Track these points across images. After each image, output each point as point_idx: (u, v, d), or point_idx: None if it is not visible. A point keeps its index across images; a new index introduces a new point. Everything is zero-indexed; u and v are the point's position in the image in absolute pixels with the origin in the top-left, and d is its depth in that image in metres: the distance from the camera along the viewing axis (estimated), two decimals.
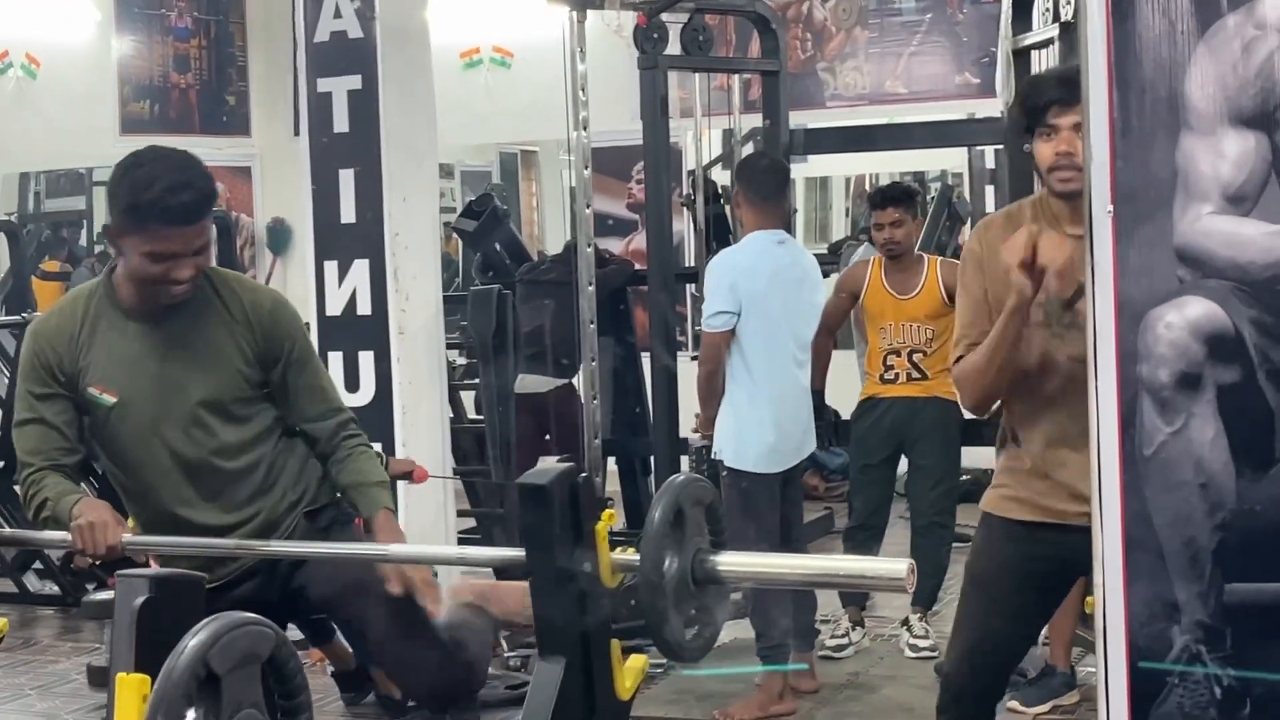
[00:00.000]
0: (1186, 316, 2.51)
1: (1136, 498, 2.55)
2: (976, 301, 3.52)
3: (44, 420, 3.69)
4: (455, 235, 9.36)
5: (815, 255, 6.40)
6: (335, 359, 6.23)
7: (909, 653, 6.15)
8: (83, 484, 3.91)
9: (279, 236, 11.75)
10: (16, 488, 7.89)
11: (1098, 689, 2.59)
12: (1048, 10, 5.73)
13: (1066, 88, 3.38)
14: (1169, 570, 2.55)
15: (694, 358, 5.94)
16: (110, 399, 3.68)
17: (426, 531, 6.12)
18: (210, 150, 11.40)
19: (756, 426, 5.49)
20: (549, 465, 2.95)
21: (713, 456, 5.61)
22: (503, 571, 4.41)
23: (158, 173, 3.49)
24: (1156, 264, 2.51)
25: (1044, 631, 5.06)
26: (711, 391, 5.55)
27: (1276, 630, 2.51)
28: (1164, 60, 2.48)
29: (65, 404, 3.70)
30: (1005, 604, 3.58)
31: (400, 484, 5.62)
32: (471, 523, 7.46)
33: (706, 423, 5.67)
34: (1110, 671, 2.56)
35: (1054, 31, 5.57)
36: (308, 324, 7.59)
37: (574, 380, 7.05)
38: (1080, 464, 2.85)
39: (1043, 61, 5.76)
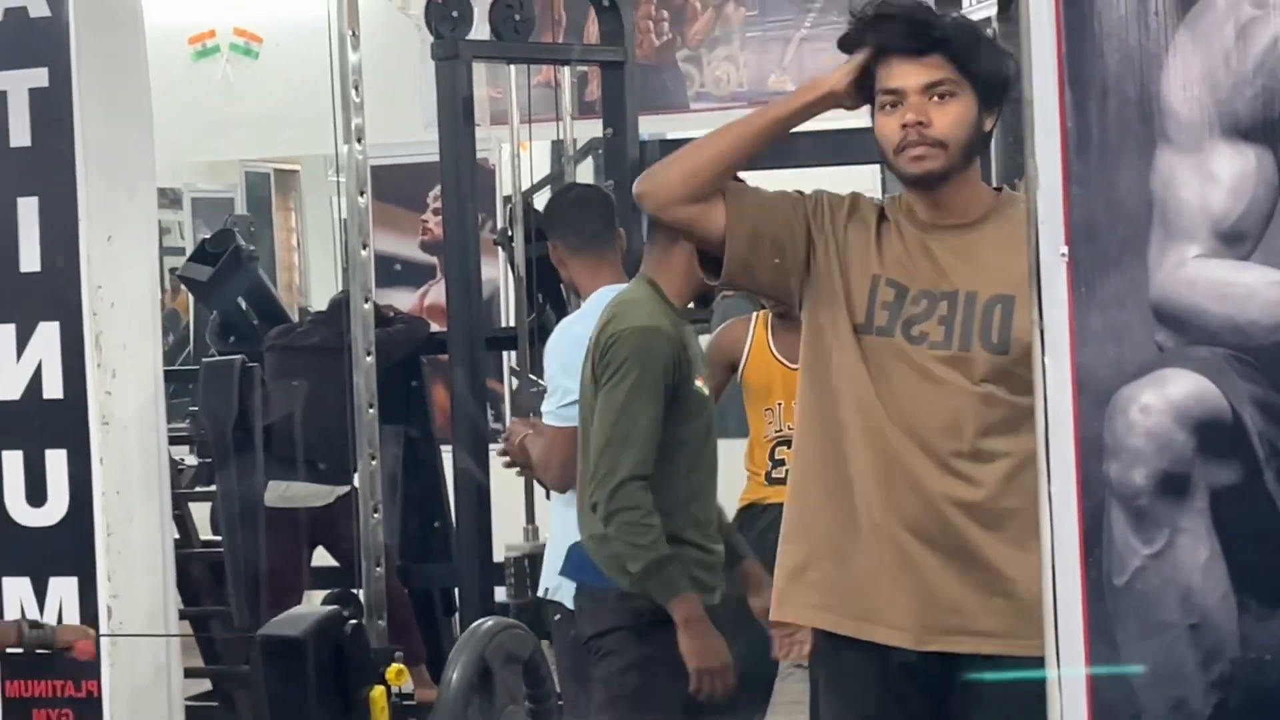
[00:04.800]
0: (1169, 397, 2.52)
1: (1105, 643, 2.55)
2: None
3: None
4: (183, 286, 9.28)
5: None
6: (13, 460, 6.11)
7: None
8: None
9: None
10: None
11: None
12: None
13: (912, 30, 3.52)
14: None
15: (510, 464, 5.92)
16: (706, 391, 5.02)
17: (141, 699, 6.01)
18: None
19: None
20: (305, 609, 2.91)
21: (541, 594, 5.58)
22: None
23: None
24: (1127, 326, 2.53)
25: None
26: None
27: None
28: (1133, 50, 2.50)
29: None
30: None
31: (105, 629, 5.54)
32: (206, 685, 7.35)
33: None
34: None
35: (991, 9, 5.65)
36: None
37: (348, 487, 7.00)
38: None
39: None
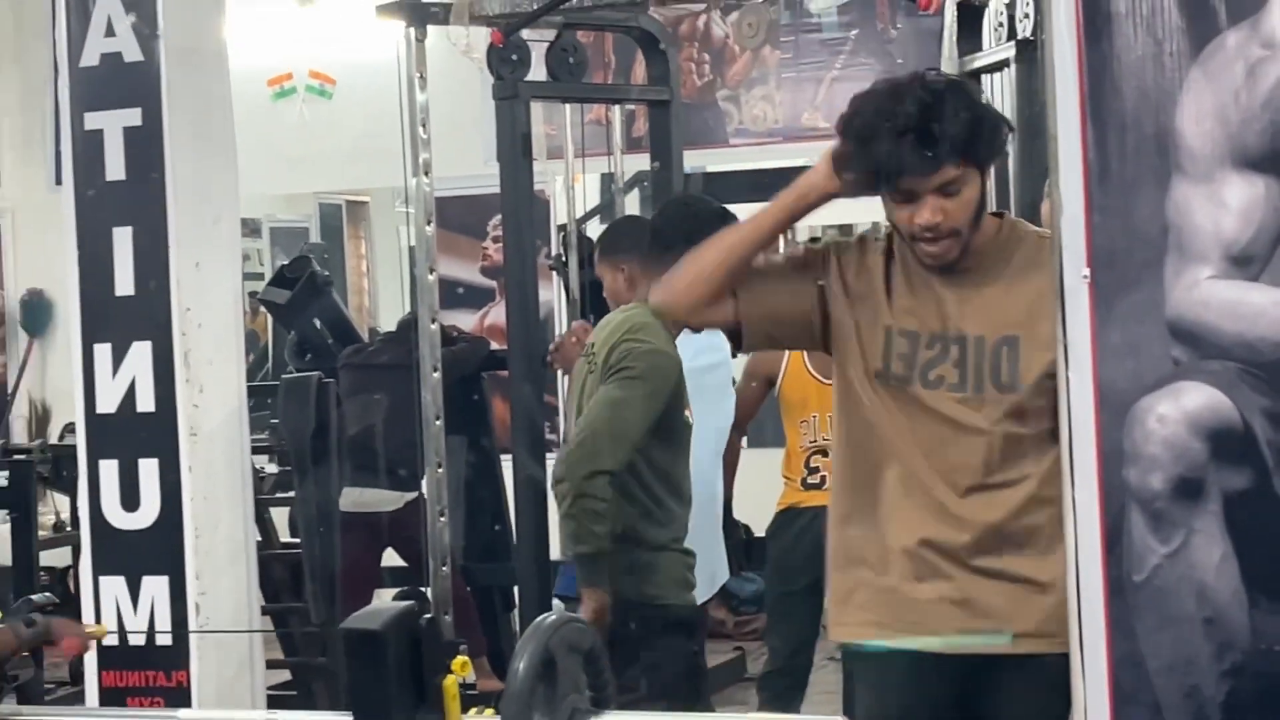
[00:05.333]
0: (1184, 408, 2.52)
1: (1125, 636, 2.54)
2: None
3: None
4: (263, 309, 9.30)
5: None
6: (109, 468, 6.13)
7: None
8: None
9: (36, 312, 11.61)
10: None
11: None
12: (1001, 25, 5.79)
13: (923, 144, 3.35)
14: None
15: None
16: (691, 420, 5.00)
17: (226, 689, 6.02)
18: None
19: None
20: (382, 605, 2.91)
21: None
22: None
23: None
24: (1145, 342, 2.52)
25: None
26: None
27: None
28: (1150, 89, 2.50)
29: None
30: None
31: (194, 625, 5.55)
32: (285, 675, 7.35)
33: None
34: None
35: (1010, 51, 5.63)
36: (71, 425, 7.56)
37: (418, 494, 7.00)
38: None
39: (997, 88, 5.81)
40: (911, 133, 3.36)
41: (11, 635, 5.19)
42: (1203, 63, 2.49)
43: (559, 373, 6.65)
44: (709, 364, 5.77)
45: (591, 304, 6.95)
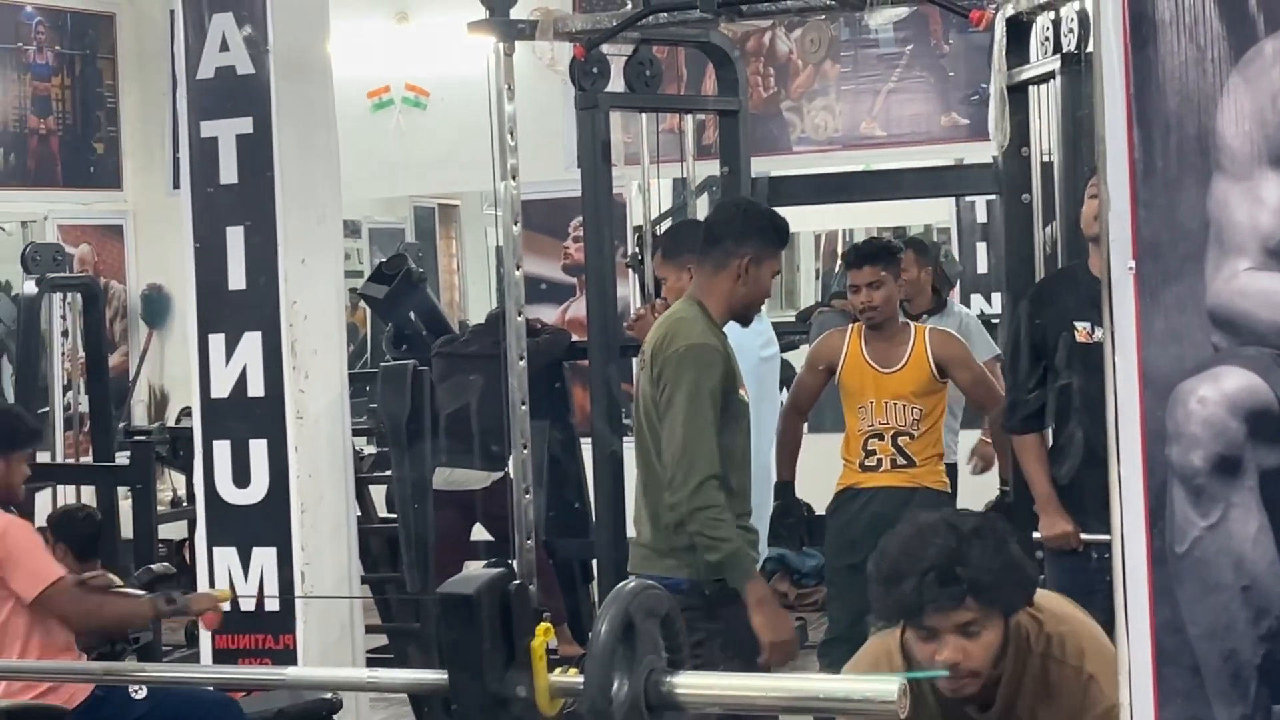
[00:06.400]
0: (1223, 390, 2.49)
1: (1167, 603, 2.52)
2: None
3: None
4: (363, 303, 9.33)
5: (781, 323, 6.42)
6: (222, 448, 6.18)
7: None
8: None
9: (155, 306, 11.67)
10: None
11: None
12: (1047, 39, 5.75)
13: (943, 583, 3.20)
14: (1207, 689, 2.51)
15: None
16: (748, 399, 4.97)
17: (329, 650, 6.05)
18: (75, 206, 11.40)
19: None
20: (475, 572, 2.90)
21: None
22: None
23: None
24: (1186, 329, 2.49)
25: None
26: None
27: None
28: (1192, 93, 2.47)
29: None
30: None
31: (299, 592, 5.56)
32: (383, 640, 7.38)
33: None
34: None
35: (1055, 64, 5.59)
36: (187, 408, 7.60)
37: (505, 473, 7.00)
38: None
39: (1042, 98, 5.77)
40: (933, 572, 3.23)
41: (152, 608, 5.25)
42: (1242, 68, 2.46)
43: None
44: (773, 354, 5.78)
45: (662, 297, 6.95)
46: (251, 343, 6.16)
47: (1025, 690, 3.39)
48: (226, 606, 5.72)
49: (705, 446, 4.77)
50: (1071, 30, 5.55)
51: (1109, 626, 2.70)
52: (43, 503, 8.00)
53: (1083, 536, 5.14)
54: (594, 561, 7.12)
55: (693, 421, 4.78)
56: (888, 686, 2.59)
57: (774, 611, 4.78)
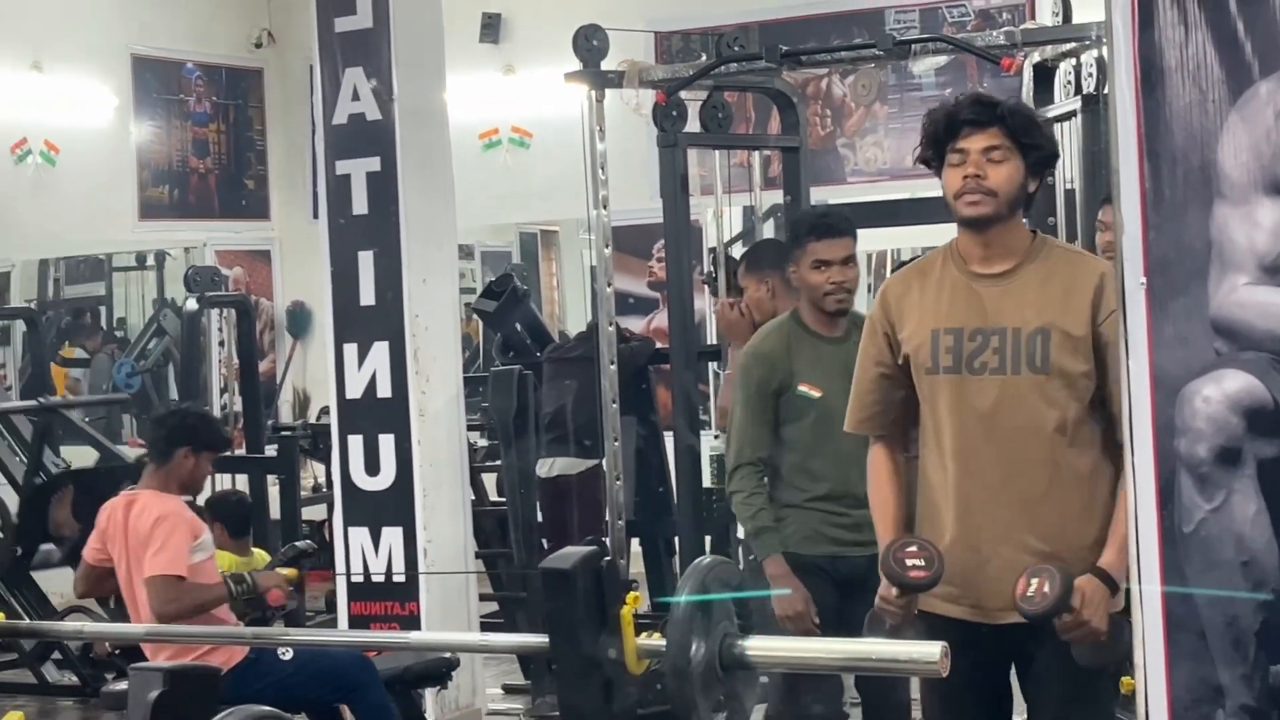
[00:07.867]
0: (1225, 390, 2.47)
1: (1177, 576, 2.50)
2: (863, 373, 3.59)
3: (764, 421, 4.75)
4: (475, 316, 9.36)
5: None
6: (355, 442, 6.22)
7: None
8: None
9: (299, 319, 11.77)
10: (33, 574, 7.91)
11: None
12: (1069, 82, 5.72)
13: (981, 108, 3.37)
14: (1212, 652, 2.49)
15: (717, 435, 5.93)
16: (816, 394, 4.72)
17: (448, 616, 6.07)
18: (229, 234, 11.50)
19: None
20: (572, 549, 2.91)
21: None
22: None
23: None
24: (1192, 336, 2.48)
25: None
26: None
27: None
28: (1195, 129, 2.45)
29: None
30: None
31: (422, 566, 5.58)
32: (494, 607, 7.40)
33: None
34: None
35: (1076, 104, 5.55)
36: (326, 407, 7.65)
37: (597, 461, 7.00)
38: None
39: (1066, 135, 5.73)
40: (970, 102, 3.40)
41: (225, 591, 5.23)
42: (1240, 108, 2.44)
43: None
44: None
45: None
46: (380, 351, 6.20)
47: (1037, 265, 3.42)
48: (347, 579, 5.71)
49: (738, 441, 4.81)
50: (1091, 74, 5.51)
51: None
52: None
53: None
54: (675, 539, 7.09)
55: (736, 419, 4.84)
56: (931, 649, 2.59)
57: (785, 586, 4.70)
